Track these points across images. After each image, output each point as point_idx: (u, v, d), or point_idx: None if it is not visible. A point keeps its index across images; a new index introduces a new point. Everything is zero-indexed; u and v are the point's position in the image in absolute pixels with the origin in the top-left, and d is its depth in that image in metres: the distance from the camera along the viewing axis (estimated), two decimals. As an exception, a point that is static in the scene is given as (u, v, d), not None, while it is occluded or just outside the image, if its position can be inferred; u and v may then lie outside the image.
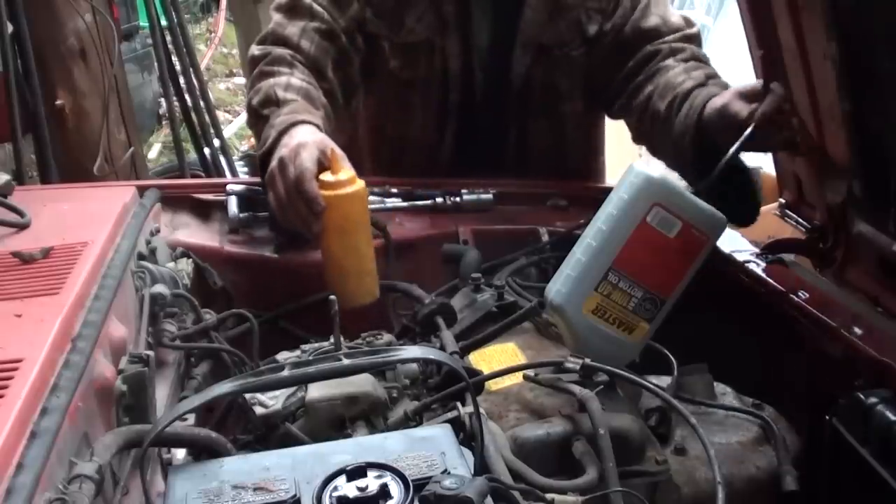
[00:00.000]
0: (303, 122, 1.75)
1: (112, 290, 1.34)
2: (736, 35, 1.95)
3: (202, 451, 1.13)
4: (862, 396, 1.27)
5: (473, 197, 1.99)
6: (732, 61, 1.97)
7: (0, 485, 0.88)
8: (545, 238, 1.87)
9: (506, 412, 1.32)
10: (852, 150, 1.56)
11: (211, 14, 10.43)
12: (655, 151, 2.01)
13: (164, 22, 4.34)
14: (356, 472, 0.95)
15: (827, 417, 1.34)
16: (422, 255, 1.86)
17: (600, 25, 2.03)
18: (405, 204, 1.97)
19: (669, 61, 1.93)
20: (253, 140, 5.97)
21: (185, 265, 1.71)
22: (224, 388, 1.04)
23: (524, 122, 2.09)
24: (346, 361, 1.05)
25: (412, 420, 1.30)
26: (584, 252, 1.39)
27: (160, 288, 1.50)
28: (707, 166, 1.60)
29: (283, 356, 1.48)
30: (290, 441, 1.25)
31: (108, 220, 1.58)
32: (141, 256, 1.59)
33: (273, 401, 1.30)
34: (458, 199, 1.98)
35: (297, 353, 1.48)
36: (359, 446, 1.07)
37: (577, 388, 1.27)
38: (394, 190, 1.99)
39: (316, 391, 1.29)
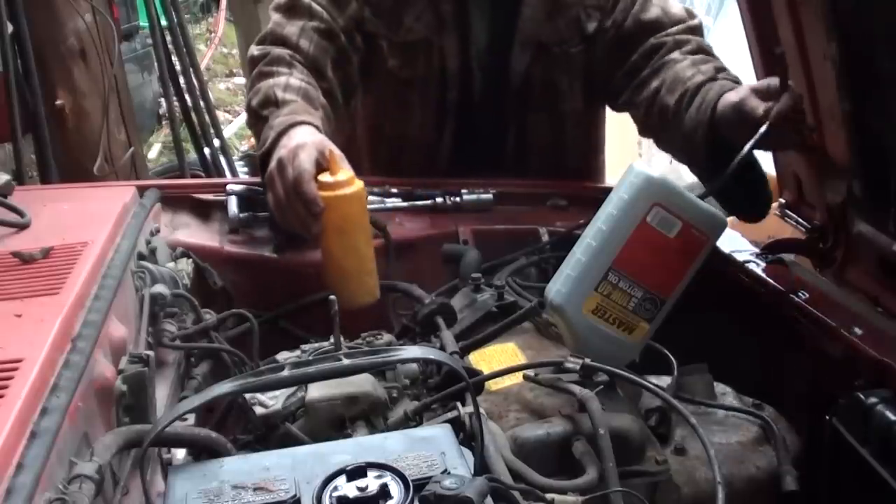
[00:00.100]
0: (302, 122, 1.75)
1: (112, 290, 1.34)
2: (736, 35, 1.95)
3: (202, 451, 1.13)
4: (862, 396, 1.27)
5: (473, 197, 1.99)
6: (732, 61, 1.96)
7: (0, 485, 0.88)
8: (545, 238, 1.87)
9: (506, 412, 1.32)
10: (852, 150, 1.56)
11: (211, 14, 10.44)
12: (663, 145, 2.01)
13: (164, 22, 4.35)
14: (356, 472, 0.95)
15: (827, 417, 1.34)
16: (422, 255, 1.86)
17: (599, 22, 2.02)
18: (405, 204, 1.97)
19: (675, 54, 1.92)
20: (253, 140, 5.96)
21: (185, 265, 1.71)
22: (224, 388, 1.04)
23: (523, 120, 2.09)
24: (346, 361, 1.05)
25: (412, 420, 1.30)
26: (584, 252, 1.39)
27: (160, 288, 1.50)
28: (719, 161, 1.60)
29: (283, 356, 1.48)
30: (290, 441, 1.25)
31: (108, 220, 1.58)
32: (141, 256, 1.59)
33: (273, 401, 1.30)
34: (457, 199, 1.98)
35: (297, 353, 1.48)
36: (359, 446, 1.07)
37: (577, 388, 1.27)
38: (394, 190, 1.99)
39: (316, 391, 1.29)
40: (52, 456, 0.95)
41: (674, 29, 1.97)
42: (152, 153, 6.40)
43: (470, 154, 2.10)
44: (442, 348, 1.45)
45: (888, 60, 1.42)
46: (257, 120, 1.86)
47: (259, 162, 1.80)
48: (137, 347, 1.36)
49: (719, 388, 1.50)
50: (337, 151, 1.65)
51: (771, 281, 1.66)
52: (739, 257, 1.76)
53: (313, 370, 1.05)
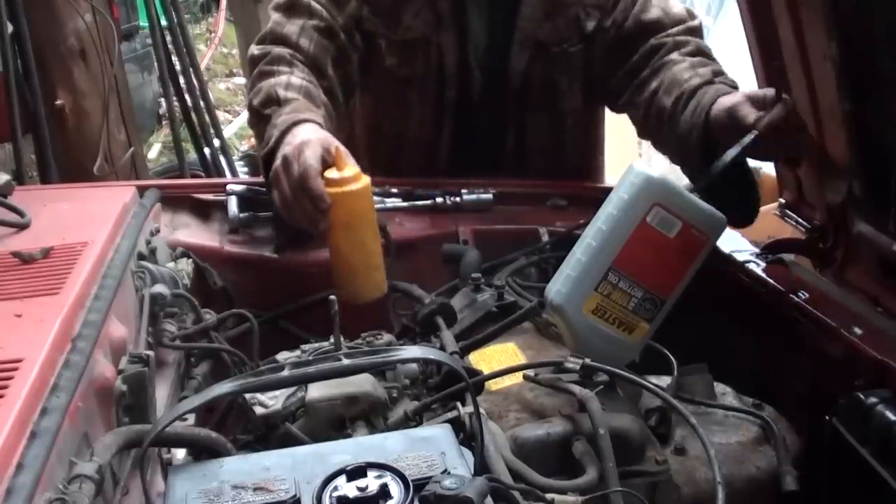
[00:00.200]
0: (305, 120, 1.74)
1: (112, 290, 1.34)
2: (736, 35, 1.95)
3: (202, 451, 1.13)
4: (862, 396, 1.27)
5: (473, 197, 1.99)
6: (732, 61, 1.97)
7: (0, 485, 0.88)
8: (545, 238, 1.87)
9: (506, 412, 1.32)
10: (852, 150, 1.56)
11: (211, 14, 10.43)
12: (660, 146, 2.01)
13: (164, 22, 4.35)
14: (356, 472, 0.95)
15: (827, 417, 1.34)
16: (422, 255, 1.86)
17: (599, 22, 2.02)
18: (405, 204, 1.97)
19: (674, 55, 1.92)
20: (253, 140, 5.97)
21: (185, 265, 1.71)
22: (224, 388, 1.04)
23: (523, 120, 2.09)
24: (346, 361, 1.05)
25: (412, 420, 1.30)
26: (584, 252, 1.39)
27: (160, 288, 1.50)
28: (712, 164, 1.60)
29: (283, 356, 1.48)
30: (290, 441, 1.25)
31: (108, 220, 1.58)
32: (141, 256, 1.59)
33: (273, 401, 1.30)
34: (457, 199, 1.98)
35: (297, 353, 1.48)
36: (359, 446, 1.07)
37: (577, 388, 1.27)
38: (394, 190, 1.99)
39: (316, 391, 1.29)
40: (52, 456, 0.95)
41: (674, 30, 1.97)
42: (152, 153, 6.40)
43: (469, 154, 2.10)
44: (442, 348, 1.45)
45: (888, 60, 1.42)
46: (259, 119, 1.85)
47: (262, 161, 1.79)
48: (137, 347, 1.36)
49: (719, 388, 1.50)
50: (342, 147, 1.65)
51: (771, 281, 1.66)
52: (739, 257, 1.76)
53: (313, 370, 1.05)
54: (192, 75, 4.38)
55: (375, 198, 1.91)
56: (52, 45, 3.71)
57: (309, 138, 1.67)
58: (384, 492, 0.93)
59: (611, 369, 1.31)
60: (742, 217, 1.78)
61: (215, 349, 1.55)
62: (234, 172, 4.56)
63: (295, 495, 0.96)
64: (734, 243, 1.79)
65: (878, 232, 1.56)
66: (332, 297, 1.33)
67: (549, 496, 1.11)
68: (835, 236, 1.69)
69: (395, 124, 2.11)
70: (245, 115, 6.84)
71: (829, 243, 1.71)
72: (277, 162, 1.67)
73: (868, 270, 1.59)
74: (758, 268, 1.72)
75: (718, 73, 1.84)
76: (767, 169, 1.97)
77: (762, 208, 1.83)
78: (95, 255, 1.41)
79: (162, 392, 1.36)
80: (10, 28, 3.44)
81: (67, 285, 1.28)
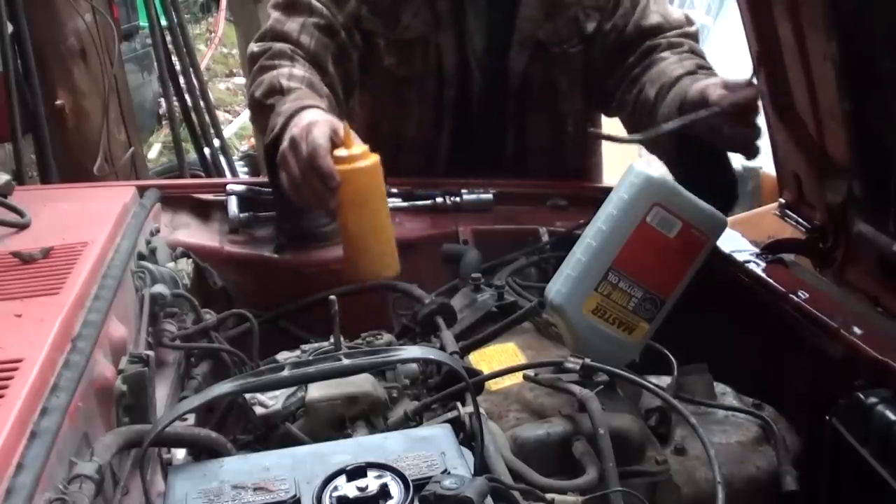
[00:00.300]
0: (310, 106, 1.74)
1: (112, 290, 1.34)
2: (736, 35, 1.95)
3: (202, 451, 1.13)
4: (862, 396, 1.27)
5: (473, 197, 1.99)
6: (732, 61, 1.97)
7: (0, 485, 0.88)
8: (545, 238, 1.87)
9: (506, 412, 1.32)
10: (852, 150, 1.56)
11: (211, 14, 10.43)
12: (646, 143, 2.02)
13: (164, 22, 4.35)
14: (356, 472, 0.95)
15: (827, 417, 1.33)
16: (422, 255, 1.86)
17: (599, 23, 2.03)
18: (405, 204, 1.97)
19: (665, 54, 1.94)
20: (253, 140, 5.97)
21: (185, 265, 1.71)
22: (224, 388, 1.04)
23: (523, 120, 2.09)
24: (346, 361, 1.05)
25: (412, 420, 1.30)
26: (584, 252, 1.39)
27: (160, 288, 1.50)
28: (687, 152, 1.69)
29: (283, 356, 1.48)
30: (290, 441, 1.25)
31: (108, 220, 1.58)
32: (141, 256, 1.59)
33: (273, 401, 1.31)
34: (457, 199, 1.98)
35: (297, 353, 1.48)
36: (359, 446, 1.07)
37: (577, 388, 1.27)
38: (393, 190, 1.98)
39: (316, 391, 1.29)
40: (52, 456, 0.95)
41: (671, 33, 1.98)
42: (152, 153, 6.39)
43: (469, 154, 2.10)
44: (442, 348, 1.45)
45: (888, 60, 1.42)
46: (262, 110, 1.85)
47: (266, 152, 1.79)
48: (137, 347, 1.36)
49: (719, 388, 1.50)
50: (349, 128, 1.64)
51: (771, 281, 1.66)
52: (739, 257, 1.75)
53: (313, 370, 1.05)
54: (192, 75, 4.38)
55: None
56: (52, 45, 3.71)
57: (316, 119, 1.67)
58: (384, 492, 0.93)
59: (611, 369, 1.31)
60: (721, 205, 1.79)
61: (215, 349, 1.55)
62: (234, 172, 4.56)
63: (295, 495, 0.96)
64: (734, 243, 1.79)
65: (878, 232, 1.55)
66: (333, 297, 1.34)
67: (549, 496, 1.11)
68: (835, 236, 1.69)
69: (393, 124, 2.11)
70: (245, 115, 6.85)
71: (829, 243, 1.71)
72: (285, 144, 1.67)
73: (868, 270, 1.59)
74: (758, 268, 1.72)
75: (703, 66, 1.86)
76: (768, 169, 1.97)
77: (762, 208, 1.83)
78: (95, 255, 1.41)
79: (162, 392, 1.36)
80: (10, 28, 3.44)
81: (67, 285, 1.28)
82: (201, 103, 4.42)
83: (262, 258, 1.84)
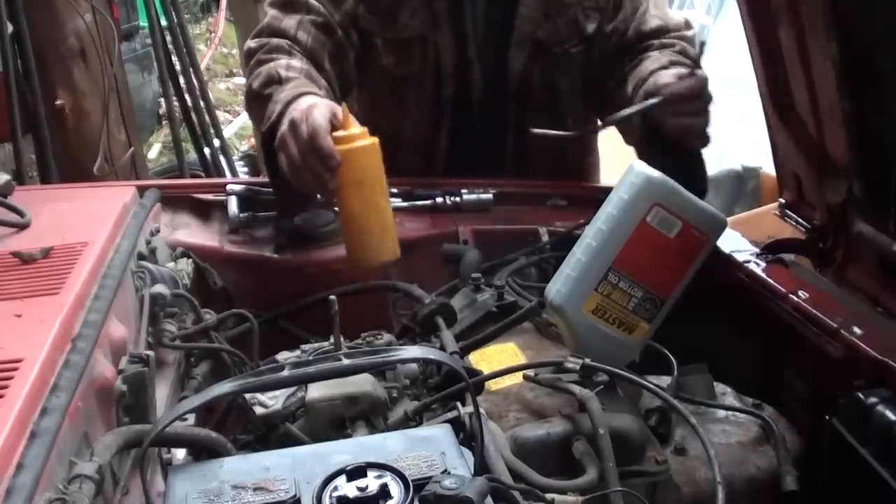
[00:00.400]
0: (308, 93, 1.75)
1: (112, 290, 1.34)
2: (736, 35, 1.95)
3: (202, 451, 1.13)
4: (862, 396, 1.27)
5: (473, 197, 1.99)
6: (732, 61, 1.97)
7: (0, 485, 0.88)
8: (545, 238, 1.87)
9: (506, 412, 1.32)
10: (852, 150, 1.56)
11: (211, 14, 10.43)
12: (626, 137, 2.03)
13: (164, 22, 4.35)
14: (356, 472, 0.95)
15: (827, 417, 1.33)
16: (422, 255, 1.86)
17: (599, 24, 2.03)
18: (405, 204, 1.97)
19: (653, 53, 1.95)
20: (253, 140, 5.97)
21: (185, 265, 1.71)
22: (224, 388, 1.04)
23: (523, 120, 2.09)
24: (346, 361, 1.05)
25: (412, 420, 1.30)
26: (584, 252, 1.39)
27: (160, 288, 1.50)
28: (654, 143, 1.76)
29: (283, 356, 1.48)
30: (290, 441, 1.25)
31: (108, 220, 1.58)
32: (141, 256, 1.59)
33: (273, 401, 1.31)
34: (457, 199, 1.98)
35: (297, 353, 1.48)
36: (359, 446, 1.07)
37: (577, 388, 1.27)
38: (394, 190, 1.98)
39: (316, 391, 1.29)
40: (52, 456, 0.95)
41: (668, 35, 1.99)
42: (152, 153, 6.40)
43: (468, 154, 2.10)
44: (442, 348, 1.45)
45: (888, 60, 1.42)
46: (259, 100, 1.85)
47: (264, 140, 1.78)
48: (137, 347, 1.36)
49: (719, 388, 1.50)
50: (348, 111, 1.64)
51: (771, 281, 1.66)
52: (739, 257, 1.75)
53: (313, 370, 1.05)
54: (192, 75, 4.38)
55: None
56: (52, 45, 3.71)
57: (316, 102, 1.67)
58: (384, 492, 0.93)
59: (611, 369, 1.31)
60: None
61: (215, 349, 1.55)
62: (234, 172, 4.56)
63: (295, 495, 0.96)
64: (734, 243, 1.79)
65: (878, 232, 1.55)
66: (332, 297, 1.34)
67: (549, 496, 1.11)
68: (835, 236, 1.69)
69: (392, 123, 2.11)
70: (245, 115, 6.83)
71: (829, 243, 1.71)
72: (284, 127, 1.67)
73: (868, 270, 1.59)
74: (758, 268, 1.72)
75: (676, 62, 1.87)
76: (768, 169, 1.97)
77: (762, 208, 1.83)
78: (95, 255, 1.41)
79: (162, 392, 1.36)
80: (10, 28, 3.44)
81: (67, 285, 1.28)
82: (201, 103, 4.42)
83: (261, 258, 1.84)
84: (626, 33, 2.02)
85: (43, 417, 0.99)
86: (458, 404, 1.24)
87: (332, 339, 1.41)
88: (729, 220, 1.53)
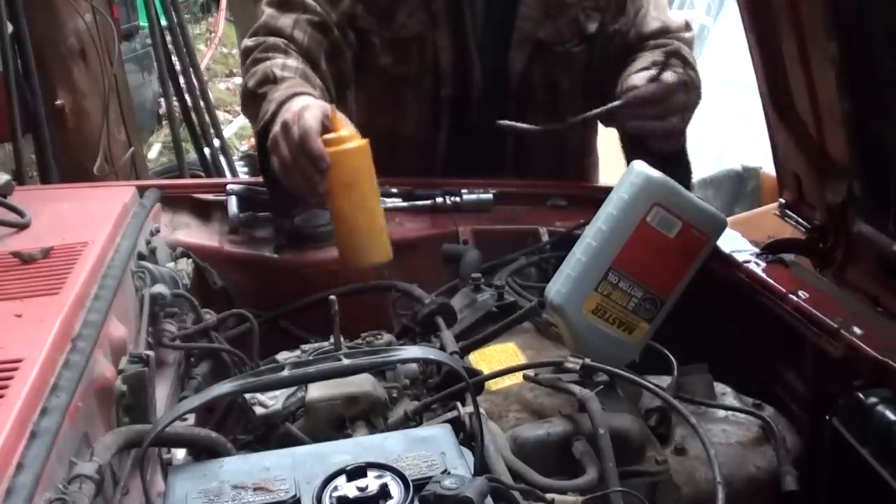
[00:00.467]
0: (303, 93, 1.75)
1: (112, 290, 1.34)
2: (736, 35, 1.95)
3: (202, 451, 1.13)
4: (862, 396, 1.27)
5: (473, 197, 1.98)
6: (732, 61, 1.97)
7: (0, 485, 0.88)
8: (545, 238, 1.87)
9: (506, 412, 1.32)
10: (852, 150, 1.56)
11: (211, 14, 10.44)
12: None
13: (164, 22, 4.35)
14: (356, 472, 0.95)
15: (827, 417, 1.34)
16: (422, 255, 1.86)
17: (600, 24, 2.03)
18: (405, 204, 1.97)
19: (645, 53, 1.96)
20: (253, 140, 5.96)
21: (185, 265, 1.71)
22: (224, 388, 1.04)
23: (523, 120, 2.09)
24: (346, 361, 1.05)
25: (412, 420, 1.30)
26: (584, 252, 1.39)
27: (160, 288, 1.50)
28: (636, 144, 1.81)
29: (283, 356, 1.48)
30: (290, 441, 1.25)
31: (108, 220, 1.58)
32: (141, 256, 1.59)
33: (273, 401, 1.31)
34: (457, 199, 1.98)
35: (297, 353, 1.48)
36: (359, 446, 1.07)
37: (577, 388, 1.27)
38: (393, 190, 1.99)
39: (316, 391, 1.29)
40: (52, 456, 0.95)
41: (668, 36, 1.99)
42: (152, 153, 6.40)
43: (468, 154, 2.10)
44: (442, 348, 1.45)
45: (888, 60, 1.42)
46: (254, 98, 1.85)
47: (258, 139, 1.79)
48: (137, 347, 1.36)
49: (719, 388, 1.50)
50: (339, 112, 1.65)
51: (771, 281, 1.66)
52: (739, 257, 1.75)
53: (313, 370, 1.05)
54: (192, 75, 4.38)
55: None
56: (52, 45, 3.71)
57: (308, 103, 1.67)
58: (384, 492, 0.93)
59: (611, 369, 1.31)
60: None
61: (215, 349, 1.55)
62: (234, 172, 4.56)
63: (295, 495, 0.96)
64: (734, 243, 1.79)
65: (878, 232, 1.55)
66: (332, 297, 1.34)
67: (549, 496, 1.11)
68: (835, 236, 1.69)
69: (390, 123, 2.11)
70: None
71: (829, 243, 1.70)
72: (276, 128, 1.67)
73: (868, 270, 1.59)
74: (758, 268, 1.72)
75: (660, 63, 1.86)
76: (768, 169, 1.97)
77: (762, 208, 1.83)
78: (95, 255, 1.41)
79: (162, 392, 1.36)
80: (10, 28, 3.44)
81: (67, 285, 1.28)
82: (201, 103, 4.42)
83: (261, 258, 1.84)
84: (628, 35, 2.03)
85: (43, 417, 0.99)
86: (458, 404, 1.24)
87: (331, 339, 1.41)
88: (729, 220, 1.53)
